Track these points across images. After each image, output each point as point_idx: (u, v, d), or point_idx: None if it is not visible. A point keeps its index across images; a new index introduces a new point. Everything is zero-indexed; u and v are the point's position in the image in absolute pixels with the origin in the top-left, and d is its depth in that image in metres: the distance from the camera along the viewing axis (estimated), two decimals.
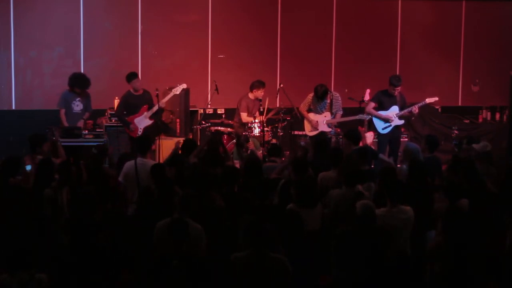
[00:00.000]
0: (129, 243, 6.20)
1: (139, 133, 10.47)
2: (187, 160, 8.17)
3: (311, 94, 10.83)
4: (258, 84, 11.13)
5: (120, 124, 10.92)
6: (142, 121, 10.57)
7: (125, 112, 10.67)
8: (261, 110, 11.09)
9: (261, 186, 7.01)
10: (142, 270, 5.96)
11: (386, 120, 10.71)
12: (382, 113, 10.73)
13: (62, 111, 10.66)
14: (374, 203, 6.43)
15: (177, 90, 10.76)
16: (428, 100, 10.92)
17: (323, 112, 10.83)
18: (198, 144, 9.77)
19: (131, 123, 10.54)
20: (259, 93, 11.10)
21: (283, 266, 5.44)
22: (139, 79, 10.73)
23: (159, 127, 10.67)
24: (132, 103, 10.62)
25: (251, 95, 11.18)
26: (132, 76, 10.61)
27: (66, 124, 10.54)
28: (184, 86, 10.91)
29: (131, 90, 10.68)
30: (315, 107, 10.84)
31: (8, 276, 5.31)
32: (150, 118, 10.59)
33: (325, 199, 7.09)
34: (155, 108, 10.56)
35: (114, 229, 6.25)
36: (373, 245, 5.93)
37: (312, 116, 10.83)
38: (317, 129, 10.80)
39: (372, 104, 10.78)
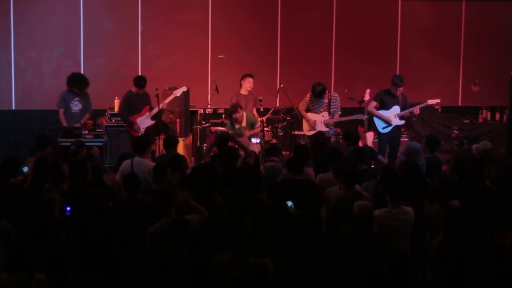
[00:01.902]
0: (128, 243, 6.21)
1: (141, 133, 10.52)
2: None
3: (309, 93, 10.82)
4: (244, 76, 11.11)
5: (120, 124, 10.93)
6: (144, 121, 10.63)
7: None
8: (261, 110, 11.11)
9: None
10: (142, 270, 5.96)
11: (386, 120, 10.71)
12: (383, 113, 10.72)
13: (61, 111, 10.69)
14: (374, 203, 6.44)
15: (178, 93, 10.80)
16: (429, 102, 10.91)
17: (321, 111, 10.81)
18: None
19: (135, 123, 10.58)
20: (247, 84, 11.07)
21: (263, 271, 5.46)
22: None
23: (159, 127, 10.71)
24: (134, 103, 10.66)
25: (242, 90, 11.18)
26: (143, 82, 10.62)
27: (65, 124, 10.56)
28: (185, 88, 10.94)
29: (133, 90, 10.71)
30: (312, 106, 10.81)
31: (7, 276, 5.32)
32: (152, 118, 10.64)
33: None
34: (157, 109, 10.59)
35: (113, 228, 6.26)
36: (372, 245, 5.93)
37: (310, 115, 10.82)
38: (315, 129, 10.78)
39: (374, 103, 10.78)
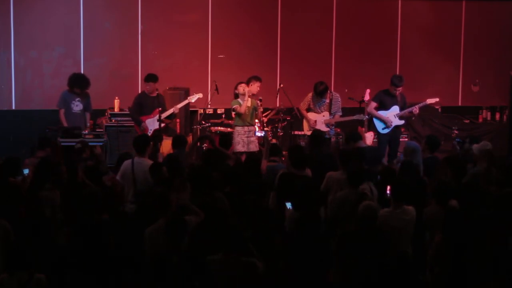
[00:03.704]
0: (128, 243, 6.21)
1: (148, 134, 10.47)
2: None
3: (311, 93, 10.81)
4: (253, 79, 10.98)
5: (120, 124, 10.93)
6: (153, 123, 10.57)
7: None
8: (260, 111, 11.10)
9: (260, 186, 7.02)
10: (141, 269, 5.96)
11: (385, 122, 10.72)
12: (383, 114, 10.73)
13: (62, 111, 10.69)
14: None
15: (192, 99, 10.78)
16: (428, 101, 10.91)
17: (322, 111, 10.81)
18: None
19: (142, 121, 10.55)
20: (255, 88, 11.01)
21: (253, 269, 5.48)
22: (157, 82, 10.73)
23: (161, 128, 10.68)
24: (146, 104, 10.63)
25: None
26: (153, 78, 10.62)
27: (65, 124, 10.56)
28: (200, 95, 10.95)
29: (146, 91, 10.69)
30: (314, 105, 10.79)
31: (7, 276, 5.32)
32: (158, 121, 10.57)
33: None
34: (169, 112, 10.56)
35: (113, 229, 6.26)
36: (375, 246, 5.93)
37: (311, 115, 10.81)
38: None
39: (373, 104, 10.78)
